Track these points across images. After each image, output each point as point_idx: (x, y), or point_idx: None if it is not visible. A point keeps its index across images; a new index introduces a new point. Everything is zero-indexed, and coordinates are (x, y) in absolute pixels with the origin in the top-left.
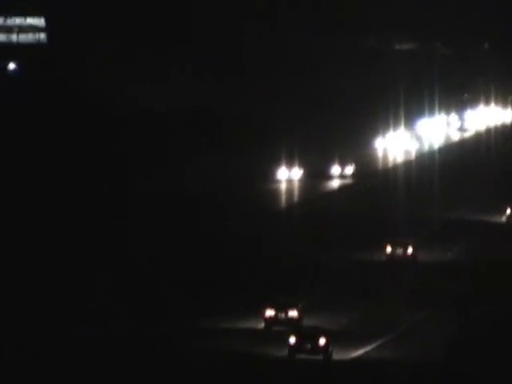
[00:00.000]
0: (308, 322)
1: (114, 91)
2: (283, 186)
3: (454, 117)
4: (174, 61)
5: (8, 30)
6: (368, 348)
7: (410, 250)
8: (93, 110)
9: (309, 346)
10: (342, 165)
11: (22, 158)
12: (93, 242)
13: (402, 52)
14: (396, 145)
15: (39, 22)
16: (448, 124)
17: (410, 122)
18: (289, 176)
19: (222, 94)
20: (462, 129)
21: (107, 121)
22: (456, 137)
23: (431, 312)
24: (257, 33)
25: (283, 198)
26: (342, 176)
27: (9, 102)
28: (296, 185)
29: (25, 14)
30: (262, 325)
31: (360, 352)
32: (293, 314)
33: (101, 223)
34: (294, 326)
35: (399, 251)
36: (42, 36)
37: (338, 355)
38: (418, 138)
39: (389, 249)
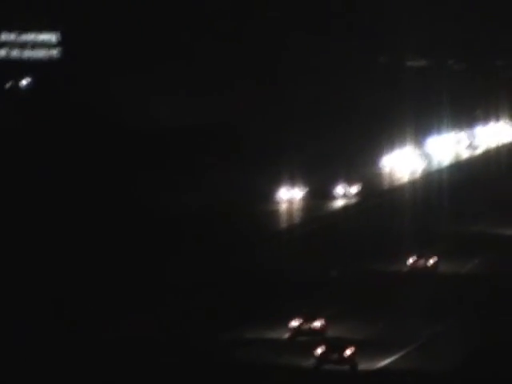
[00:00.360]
0: (332, 332)
1: (126, 105)
2: (285, 207)
3: (463, 134)
4: (190, 77)
5: (21, 45)
6: (393, 358)
7: (432, 261)
8: (107, 125)
9: (335, 356)
10: (348, 184)
11: (35, 173)
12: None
13: (413, 69)
14: (403, 163)
15: (52, 37)
16: (458, 142)
17: (418, 139)
18: (291, 196)
19: (237, 110)
20: (472, 146)
21: (119, 135)
22: (465, 154)
23: (453, 322)
24: (270, 50)
25: (285, 218)
26: (346, 195)
27: (22, 117)
28: (299, 205)
29: (38, 30)
30: (287, 335)
31: (385, 362)
32: (317, 324)
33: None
34: (318, 336)
35: (421, 262)
36: (55, 52)
37: (363, 365)
38: (427, 156)
39: (411, 260)
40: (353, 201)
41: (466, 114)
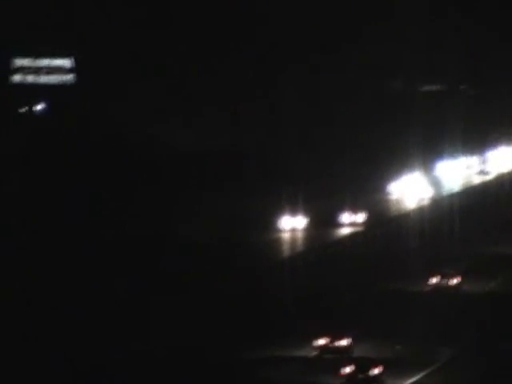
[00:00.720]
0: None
1: (134, 130)
2: (289, 235)
3: (475, 159)
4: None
5: (36, 70)
6: (417, 377)
7: (455, 281)
8: (118, 150)
9: (363, 376)
10: (353, 211)
11: (47, 196)
12: None
13: (426, 94)
14: (412, 189)
15: (67, 63)
16: (469, 167)
17: (428, 164)
18: (294, 225)
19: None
20: (483, 172)
21: (128, 159)
22: (476, 180)
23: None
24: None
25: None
26: (352, 224)
27: (36, 141)
28: (304, 234)
29: (52, 56)
30: (314, 353)
31: (410, 381)
32: (343, 343)
33: None
34: (344, 354)
35: (444, 282)
36: (69, 77)
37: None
38: (436, 182)
39: (434, 279)
40: (359, 228)
41: (478, 139)
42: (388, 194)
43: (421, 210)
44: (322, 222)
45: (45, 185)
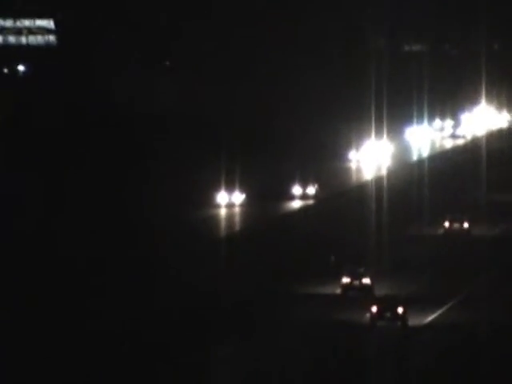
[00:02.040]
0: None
1: (118, 92)
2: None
3: (448, 123)
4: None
5: (17, 31)
6: (438, 313)
7: (465, 225)
8: (99, 112)
9: (389, 314)
10: (304, 183)
11: (28, 160)
12: None
13: (407, 54)
14: (376, 156)
15: (48, 23)
16: (440, 130)
17: (397, 129)
18: (230, 200)
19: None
20: (454, 135)
21: (109, 122)
22: (447, 144)
23: (488, 278)
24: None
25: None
26: (304, 197)
27: (19, 103)
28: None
29: (34, 16)
30: (338, 291)
31: (432, 317)
32: (366, 281)
33: None
34: (366, 292)
35: (456, 226)
36: (52, 38)
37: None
38: (405, 148)
39: (447, 223)
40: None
41: (453, 102)
42: (348, 162)
43: (381, 179)
44: (270, 195)
45: (30, 147)
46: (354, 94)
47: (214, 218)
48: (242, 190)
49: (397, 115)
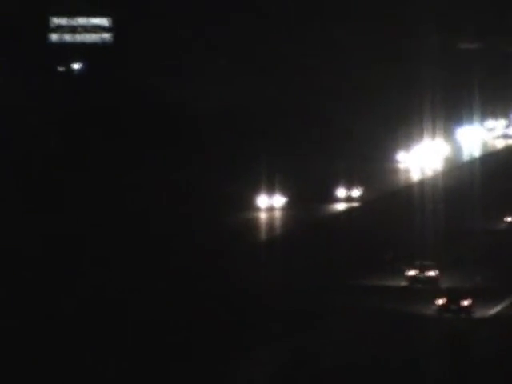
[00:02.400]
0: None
1: (172, 91)
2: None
3: (500, 122)
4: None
5: (72, 29)
6: (503, 305)
7: None
8: (156, 110)
9: (454, 306)
10: (349, 185)
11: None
12: None
13: (461, 52)
14: (427, 157)
15: (104, 22)
16: (491, 130)
17: (447, 129)
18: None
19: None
20: (506, 135)
21: (168, 120)
22: (499, 144)
23: None
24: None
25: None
26: (348, 199)
27: (73, 101)
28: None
29: (89, 15)
30: (404, 283)
31: (497, 309)
32: (431, 273)
33: None
34: (432, 284)
35: None
36: (107, 36)
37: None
38: (456, 148)
39: (509, 218)
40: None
41: (505, 101)
42: (397, 163)
43: (434, 179)
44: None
45: (82, 144)
46: (404, 93)
47: (255, 221)
48: (284, 193)
49: (448, 115)
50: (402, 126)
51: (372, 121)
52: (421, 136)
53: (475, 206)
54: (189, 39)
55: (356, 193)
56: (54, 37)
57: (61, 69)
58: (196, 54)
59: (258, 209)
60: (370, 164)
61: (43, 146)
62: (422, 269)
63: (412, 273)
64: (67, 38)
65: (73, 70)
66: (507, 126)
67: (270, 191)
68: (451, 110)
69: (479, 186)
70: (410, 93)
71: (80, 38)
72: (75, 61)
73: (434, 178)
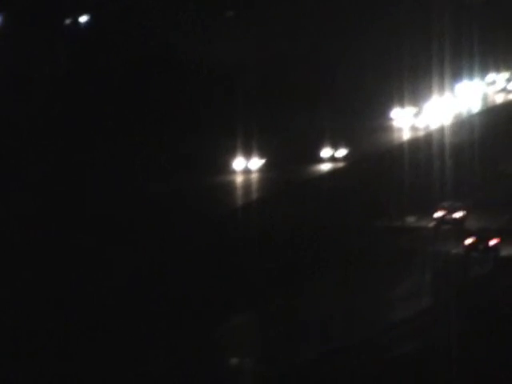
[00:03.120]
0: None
1: (181, 43)
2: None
3: (501, 76)
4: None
5: None
6: None
7: None
8: (162, 63)
9: (482, 246)
10: (335, 145)
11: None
12: None
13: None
14: (426, 114)
15: None
16: (491, 84)
17: (446, 84)
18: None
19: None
20: (506, 90)
21: (170, 73)
22: (499, 98)
23: None
24: None
25: None
26: (333, 159)
27: (80, 53)
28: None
29: None
30: (432, 224)
31: None
32: (458, 215)
33: None
34: (458, 225)
35: None
36: None
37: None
38: (455, 104)
39: None
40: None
41: (506, 54)
42: (390, 120)
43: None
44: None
45: (88, 99)
46: (402, 46)
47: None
48: (262, 154)
49: (447, 69)
50: (398, 80)
51: (365, 74)
52: (417, 91)
53: (481, 158)
54: None
55: (341, 152)
56: None
57: (68, 22)
58: (202, 7)
59: (233, 172)
60: (361, 121)
61: (50, 101)
62: (450, 210)
63: (440, 214)
64: None
65: (79, 23)
66: (509, 80)
67: (247, 153)
68: (450, 64)
69: (479, 141)
70: (407, 45)
71: None
72: (82, 14)
73: (435, 134)
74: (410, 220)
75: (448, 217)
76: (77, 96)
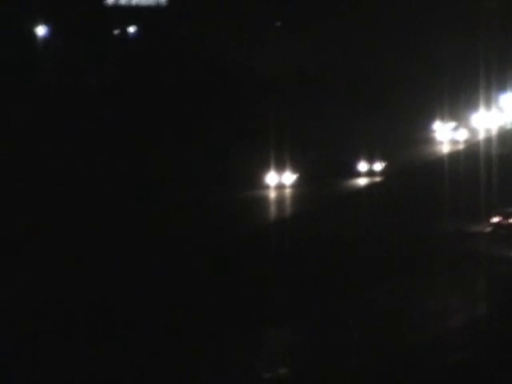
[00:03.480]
0: None
1: (227, 55)
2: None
3: None
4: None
5: None
6: None
7: None
8: (210, 74)
9: (506, 222)
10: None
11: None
12: None
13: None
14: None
15: None
16: None
17: (490, 96)
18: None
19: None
20: None
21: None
22: None
23: None
24: None
25: None
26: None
27: (128, 65)
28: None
29: None
30: (488, 229)
31: None
32: None
33: None
34: None
35: None
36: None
37: None
38: (497, 116)
39: None
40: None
41: None
42: (432, 132)
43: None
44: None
45: (137, 107)
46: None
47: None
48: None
49: (491, 81)
50: (441, 91)
51: (409, 86)
52: (460, 103)
53: None
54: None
55: (379, 166)
56: (109, 0)
57: (116, 32)
58: (251, 17)
59: (266, 187)
60: (402, 133)
61: (99, 107)
62: (506, 216)
63: (496, 219)
64: (122, 1)
65: (128, 34)
66: None
67: (282, 167)
68: (495, 75)
69: None
70: (451, 56)
71: (135, 1)
72: (130, 24)
73: (481, 145)
74: (467, 226)
75: (504, 222)
76: (123, 106)
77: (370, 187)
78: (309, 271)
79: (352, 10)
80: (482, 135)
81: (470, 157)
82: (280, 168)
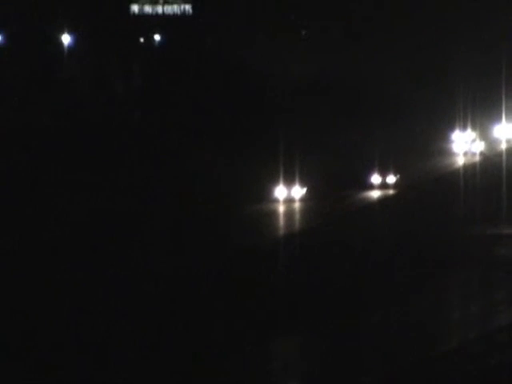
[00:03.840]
0: None
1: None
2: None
3: None
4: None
5: (153, 1)
6: None
7: None
8: (236, 83)
9: None
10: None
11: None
12: None
13: None
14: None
15: None
16: None
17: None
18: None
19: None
20: None
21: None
22: None
23: None
24: None
25: None
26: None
27: (153, 73)
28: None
29: None
30: None
31: None
32: None
33: None
34: None
35: None
36: (188, 7)
37: None
38: None
39: None
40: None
41: None
42: (450, 143)
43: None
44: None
45: (163, 115)
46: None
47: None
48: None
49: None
50: (463, 101)
51: (429, 95)
52: (483, 114)
53: None
54: (267, 11)
55: (392, 179)
56: (134, 8)
57: (142, 40)
58: (275, 24)
59: (275, 200)
60: (418, 144)
61: (126, 115)
62: None
63: None
64: (147, 9)
65: (153, 42)
66: None
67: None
68: None
69: None
70: (475, 67)
71: (160, 9)
72: (156, 32)
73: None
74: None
75: None
76: (148, 114)
77: (383, 200)
78: (325, 286)
79: (373, 20)
80: (503, 146)
81: (489, 168)
82: (289, 181)
